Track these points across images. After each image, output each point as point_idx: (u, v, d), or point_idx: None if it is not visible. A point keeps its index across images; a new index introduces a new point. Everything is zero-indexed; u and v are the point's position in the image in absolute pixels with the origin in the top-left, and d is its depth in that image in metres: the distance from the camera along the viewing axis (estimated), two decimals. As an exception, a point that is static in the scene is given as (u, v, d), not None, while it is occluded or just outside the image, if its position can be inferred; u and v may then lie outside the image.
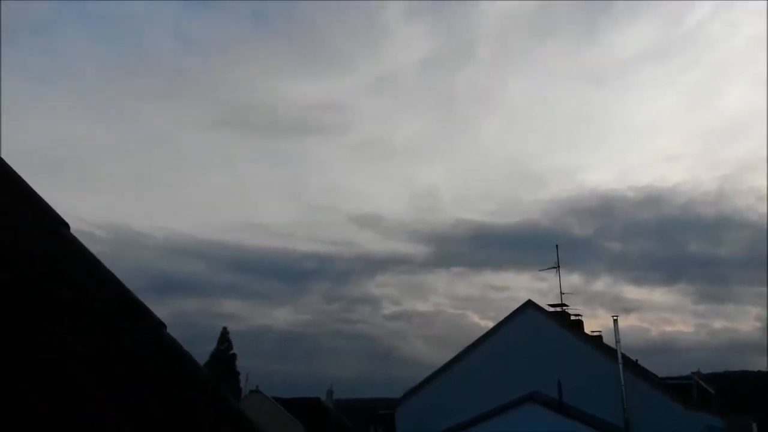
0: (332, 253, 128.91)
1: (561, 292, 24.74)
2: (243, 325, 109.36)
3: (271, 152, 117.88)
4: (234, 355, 60.09)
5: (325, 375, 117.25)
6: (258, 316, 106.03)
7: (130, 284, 3.66)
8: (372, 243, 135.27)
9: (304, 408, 43.37)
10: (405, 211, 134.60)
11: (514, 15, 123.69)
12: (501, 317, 23.64)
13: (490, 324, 25.59)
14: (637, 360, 26.83)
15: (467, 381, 22.54)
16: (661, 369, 27.86)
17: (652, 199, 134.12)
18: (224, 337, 60.67)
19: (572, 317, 25.17)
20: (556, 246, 25.48)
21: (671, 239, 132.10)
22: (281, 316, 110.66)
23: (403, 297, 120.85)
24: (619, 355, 19.10)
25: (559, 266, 24.79)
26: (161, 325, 3.65)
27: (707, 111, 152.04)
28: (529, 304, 23.17)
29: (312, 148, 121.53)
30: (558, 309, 24.68)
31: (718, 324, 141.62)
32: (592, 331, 25.97)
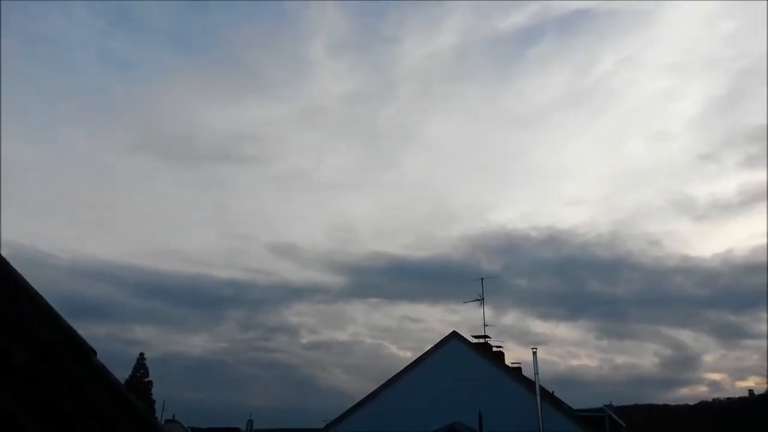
0: (249, 281, 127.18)
1: (484, 323, 25.41)
2: (158, 352, 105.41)
3: (191, 179, 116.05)
4: (150, 383, 57.53)
5: (244, 404, 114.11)
6: (173, 343, 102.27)
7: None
8: (289, 272, 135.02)
9: (222, 438, 41.95)
10: (323, 242, 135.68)
11: (434, 58, 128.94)
12: (418, 347, 23.98)
13: (408, 354, 25.89)
14: (553, 392, 27.75)
15: (391, 411, 22.58)
16: (571, 401, 28.88)
17: (552, 239, 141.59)
18: (140, 363, 58.07)
19: (494, 349, 25.83)
20: (481, 279, 26.22)
21: (572, 277, 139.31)
22: (198, 344, 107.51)
23: (321, 326, 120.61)
24: (537, 387, 19.71)
25: (483, 298, 25.51)
26: (91, 351, 3.61)
27: (610, 159, 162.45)
28: (454, 335, 23.61)
29: (233, 176, 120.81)
30: (481, 340, 25.28)
31: (620, 359, 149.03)
32: (512, 363, 26.73)
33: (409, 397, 22.72)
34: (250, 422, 49.65)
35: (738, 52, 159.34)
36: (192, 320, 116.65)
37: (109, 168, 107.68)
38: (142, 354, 58.84)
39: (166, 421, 42.94)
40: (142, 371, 57.85)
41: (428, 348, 23.90)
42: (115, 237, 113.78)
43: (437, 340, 23.88)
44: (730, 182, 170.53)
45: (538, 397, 19.54)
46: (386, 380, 23.80)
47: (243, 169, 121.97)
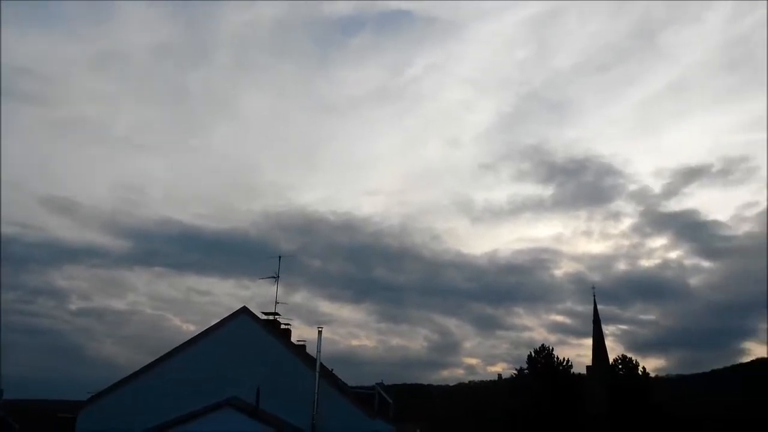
0: (11, 235, 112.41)
1: (276, 301, 25.62)
2: None
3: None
4: None
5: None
6: None
7: None
8: (63, 230, 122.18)
9: (-41, 409, 36.68)
10: (108, 201, 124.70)
11: (254, 27, 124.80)
12: (203, 321, 23.52)
13: (192, 327, 25.28)
14: (333, 369, 29.05)
15: (169, 385, 21.81)
16: (348, 378, 30.64)
17: (349, 225, 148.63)
18: None
19: (282, 326, 26.22)
20: (279, 257, 26.33)
21: (362, 263, 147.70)
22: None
23: (96, 292, 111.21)
24: (318, 365, 20.53)
25: (278, 276, 25.67)
26: None
27: (408, 157, 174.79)
28: (244, 310, 23.49)
29: (4, 115, 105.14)
30: (271, 317, 25.48)
31: (395, 341, 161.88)
32: (298, 341, 27.41)
33: (189, 372, 22.16)
34: (-1, 392, 44.06)
35: (525, 78, 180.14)
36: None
37: None
38: None
39: None
40: None
41: (215, 322, 23.51)
42: None
43: (225, 315, 23.60)
44: (504, 192, 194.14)
45: (317, 374, 20.40)
46: (165, 353, 22.90)
47: (16, 107, 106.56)
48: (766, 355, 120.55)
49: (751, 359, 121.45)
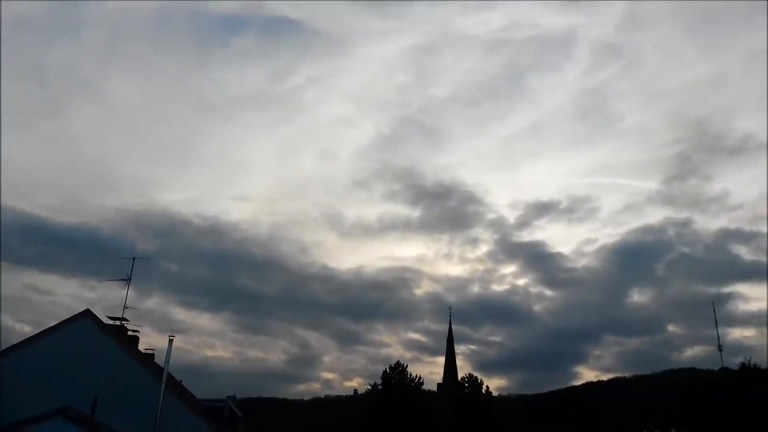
0: None
1: (125, 306, 24.35)
2: None
3: None
4: None
5: None
6: None
7: None
8: None
9: None
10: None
11: (130, 14, 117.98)
12: (40, 322, 21.95)
13: (26, 328, 23.51)
14: (182, 381, 28.04)
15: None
16: (199, 391, 29.72)
17: (214, 230, 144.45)
18: None
19: (129, 333, 24.94)
20: (133, 259, 25.13)
21: (224, 270, 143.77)
22: None
23: None
24: (165, 376, 19.71)
25: (130, 280, 24.44)
26: None
27: (282, 165, 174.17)
28: (87, 314, 22.14)
29: None
30: (117, 323, 24.15)
31: (252, 353, 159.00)
32: (146, 349, 26.24)
33: (19, 376, 20.48)
34: None
35: (404, 102, 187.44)
36: None
37: None
38: None
39: None
40: None
41: (53, 324, 21.95)
42: None
43: (65, 317, 22.19)
44: (374, 210, 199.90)
45: (163, 386, 19.59)
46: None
47: None
48: (594, 380, 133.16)
49: (582, 383, 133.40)
